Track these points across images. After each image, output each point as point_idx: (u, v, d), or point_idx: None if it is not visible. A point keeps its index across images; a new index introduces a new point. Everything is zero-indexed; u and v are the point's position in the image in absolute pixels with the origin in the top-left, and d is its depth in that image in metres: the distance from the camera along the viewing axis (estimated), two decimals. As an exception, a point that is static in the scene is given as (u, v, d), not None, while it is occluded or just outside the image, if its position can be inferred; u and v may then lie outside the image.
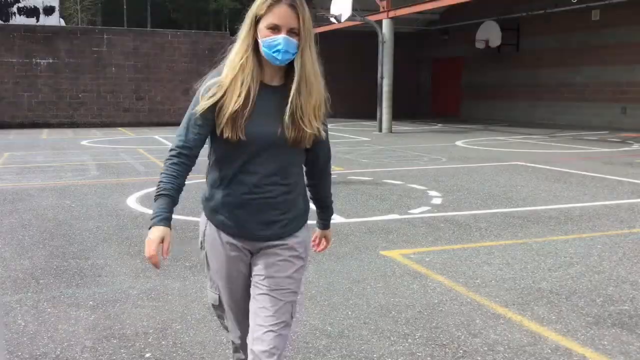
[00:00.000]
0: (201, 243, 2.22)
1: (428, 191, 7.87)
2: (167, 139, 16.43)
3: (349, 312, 3.69)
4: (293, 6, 2.02)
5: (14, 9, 22.71)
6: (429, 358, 3.07)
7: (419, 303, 3.83)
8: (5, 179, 9.10)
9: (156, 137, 17.45)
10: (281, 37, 1.99)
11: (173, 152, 2.06)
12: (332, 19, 18.50)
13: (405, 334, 3.36)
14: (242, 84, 2.00)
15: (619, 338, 3.28)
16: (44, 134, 18.88)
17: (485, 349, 3.16)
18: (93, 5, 50.71)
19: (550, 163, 10.67)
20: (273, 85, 2.09)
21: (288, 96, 2.04)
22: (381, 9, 18.75)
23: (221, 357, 3.09)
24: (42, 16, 22.96)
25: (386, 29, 18.33)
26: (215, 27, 56.21)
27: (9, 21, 22.37)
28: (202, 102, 2.01)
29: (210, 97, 2.01)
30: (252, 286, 2.14)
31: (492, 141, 15.19)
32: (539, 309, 3.71)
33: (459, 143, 14.72)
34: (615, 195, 7.57)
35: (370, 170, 9.98)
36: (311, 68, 2.06)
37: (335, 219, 6.21)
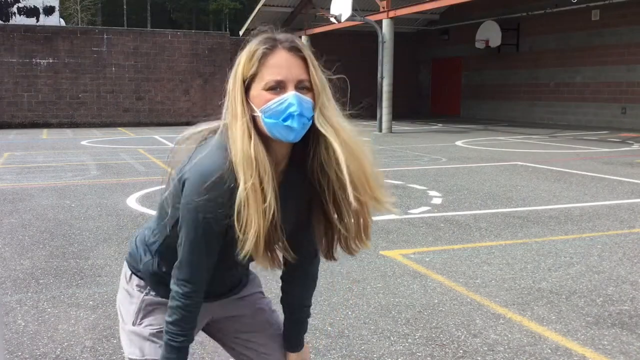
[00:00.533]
0: (137, 316, 1.71)
1: (428, 191, 7.87)
2: (167, 139, 16.43)
3: (349, 312, 3.69)
4: (296, 49, 1.45)
5: (14, 9, 22.71)
6: (429, 358, 3.07)
7: (419, 303, 3.83)
8: (5, 179, 9.10)
9: (156, 137, 17.44)
10: (290, 95, 1.42)
11: (193, 287, 1.52)
12: (332, 19, 18.50)
13: (405, 334, 3.36)
14: (262, 185, 1.42)
15: (619, 338, 3.28)
16: (44, 134, 18.88)
17: (485, 349, 3.16)
18: (93, 5, 50.69)
19: (550, 163, 10.67)
20: (284, 183, 1.53)
21: (300, 180, 1.52)
22: (381, 9, 18.75)
23: (221, 357, 3.09)
24: (42, 16, 22.96)
25: (386, 29, 18.33)
26: (215, 27, 56.24)
27: (9, 21, 22.37)
28: (223, 221, 1.45)
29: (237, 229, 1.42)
30: (236, 348, 1.83)
31: (492, 141, 15.19)
32: (539, 309, 3.71)
33: (459, 143, 14.72)
34: (615, 195, 7.57)
35: (370, 170, 9.95)
36: (340, 124, 1.48)
37: (335, 219, 6.21)
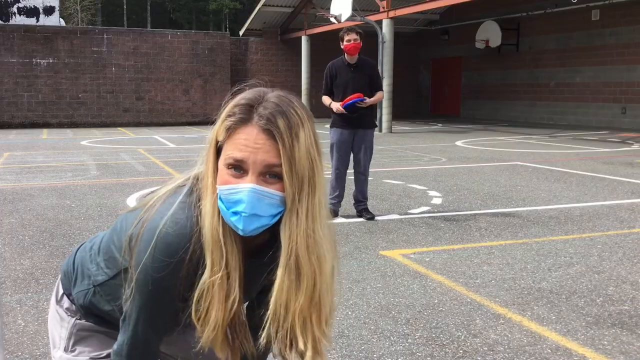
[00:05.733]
0: (68, 342, 1.54)
1: (428, 191, 7.87)
2: (167, 139, 16.43)
3: (349, 312, 3.69)
4: (269, 131, 1.14)
5: (14, 9, 22.69)
6: (429, 358, 3.07)
7: (419, 303, 3.83)
8: (5, 179, 9.10)
9: (156, 137, 17.45)
10: (246, 188, 1.14)
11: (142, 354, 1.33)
12: (332, 19, 18.50)
13: (405, 334, 3.35)
14: (229, 274, 1.23)
15: (619, 338, 3.28)
16: (44, 134, 18.87)
17: (485, 349, 3.16)
18: (93, 5, 50.67)
19: (550, 163, 10.67)
20: (255, 258, 1.33)
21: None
22: (381, 9, 18.75)
23: None
24: (42, 16, 22.94)
25: (386, 29, 18.33)
26: (215, 27, 56.23)
27: (9, 21, 22.37)
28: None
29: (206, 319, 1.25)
30: None
31: (492, 141, 15.18)
32: (539, 309, 3.71)
33: (459, 143, 14.71)
34: (615, 195, 7.57)
35: (371, 170, 9.95)
36: (304, 247, 1.23)
37: (336, 219, 6.21)
